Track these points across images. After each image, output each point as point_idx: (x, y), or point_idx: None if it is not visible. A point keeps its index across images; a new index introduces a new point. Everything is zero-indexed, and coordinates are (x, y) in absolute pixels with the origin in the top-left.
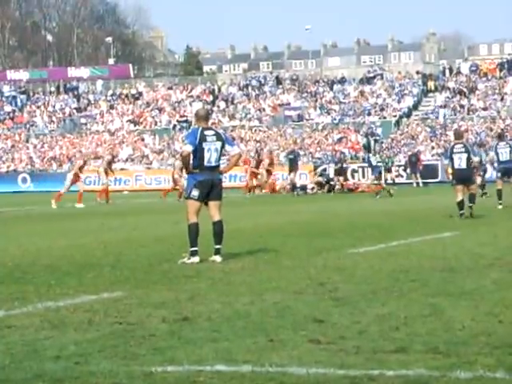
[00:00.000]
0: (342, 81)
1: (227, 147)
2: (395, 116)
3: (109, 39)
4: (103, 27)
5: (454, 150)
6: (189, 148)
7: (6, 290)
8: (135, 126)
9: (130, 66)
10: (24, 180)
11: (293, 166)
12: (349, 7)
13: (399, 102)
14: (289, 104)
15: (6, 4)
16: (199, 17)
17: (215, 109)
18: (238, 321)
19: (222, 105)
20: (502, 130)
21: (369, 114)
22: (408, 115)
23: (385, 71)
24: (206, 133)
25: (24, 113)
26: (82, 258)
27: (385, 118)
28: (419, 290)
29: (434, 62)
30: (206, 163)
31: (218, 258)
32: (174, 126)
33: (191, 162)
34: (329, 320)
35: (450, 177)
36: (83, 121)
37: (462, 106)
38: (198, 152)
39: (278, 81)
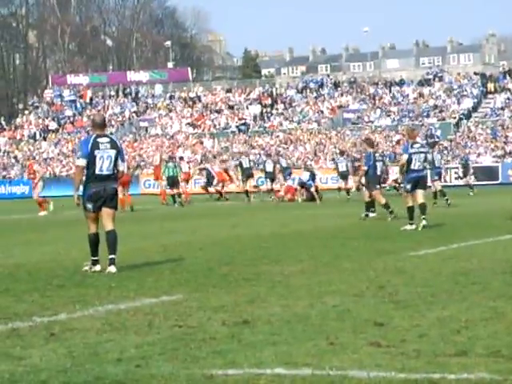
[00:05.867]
0: (401, 83)
1: (119, 160)
2: (454, 118)
3: (168, 43)
4: (162, 31)
5: None
6: (82, 162)
7: (67, 294)
8: (194, 129)
9: (189, 69)
10: None
11: (355, 171)
12: (407, 9)
13: (458, 103)
14: (347, 106)
15: (66, 9)
16: (257, 20)
17: (274, 111)
18: (297, 324)
19: (281, 107)
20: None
21: (427, 116)
22: (468, 117)
23: (444, 72)
24: (100, 140)
25: (84, 117)
26: (141, 262)
27: (444, 119)
28: (480, 293)
29: (494, 63)
30: (97, 171)
31: (112, 269)
32: (232, 128)
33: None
34: (389, 323)
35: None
36: (142, 124)
37: None
38: (90, 160)
39: (336, 83)
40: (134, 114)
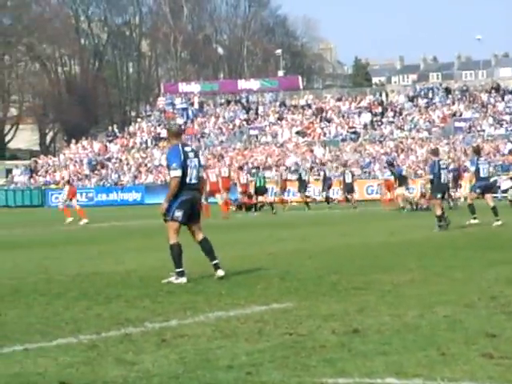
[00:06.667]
0: None
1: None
2: None
3: (278, 51)
4: (273, 39)
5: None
6: (179, 173)
7: (178, 300)
8: (304, 137)
9: (300, 77)
10: None
11: (454, 181)
12: None
13: None
14: (459, 115)
15: (178, 18)
16: (368, 28)
17: (384, 120)
18: (408, 334)
19: (391, 116)
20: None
21: None
22: None
23: None
24: (186, 149)
25: (195, 124)
26: (251, 269)
27: None
28: None
29: None
30: (188, 181)
31: (220, 272)
32: (342, 136)
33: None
34: (501, 334)
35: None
36: (252, 132)
37: None
38: (183, 170)
39: (448, 91)
40: (244, 122)
